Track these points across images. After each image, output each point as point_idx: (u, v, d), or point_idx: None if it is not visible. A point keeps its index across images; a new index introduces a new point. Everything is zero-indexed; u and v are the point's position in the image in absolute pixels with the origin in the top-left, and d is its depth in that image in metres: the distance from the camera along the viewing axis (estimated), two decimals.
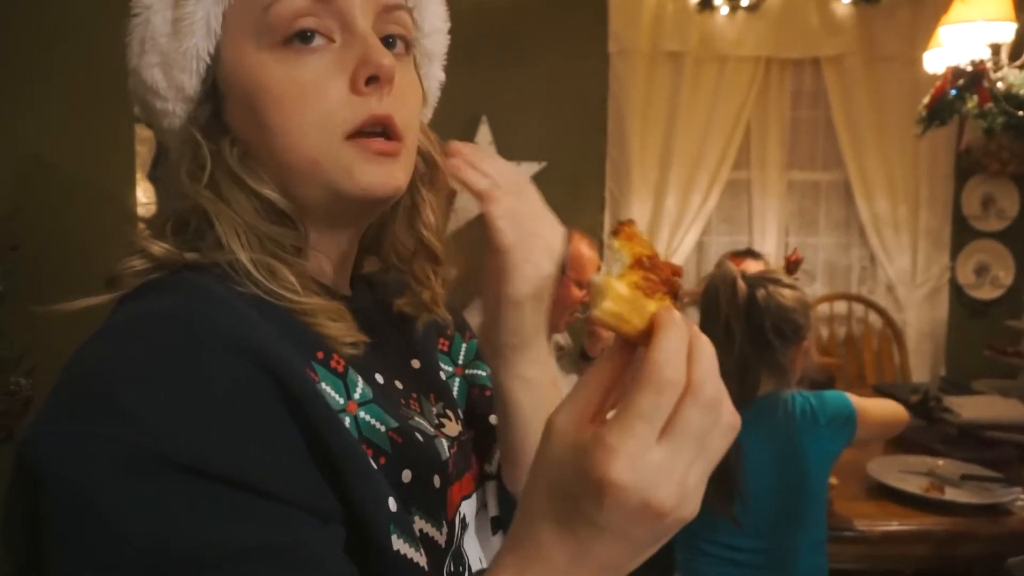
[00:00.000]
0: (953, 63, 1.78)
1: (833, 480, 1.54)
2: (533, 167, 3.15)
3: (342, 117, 0.49)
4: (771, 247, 3.27)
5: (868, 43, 3.10)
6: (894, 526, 1.50)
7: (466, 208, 0.59)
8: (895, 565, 1.54)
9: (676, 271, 0.39)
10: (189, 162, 0.50)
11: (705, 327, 1.35)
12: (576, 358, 2.19)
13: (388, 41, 0.52)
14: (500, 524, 0.63)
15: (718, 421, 0.38)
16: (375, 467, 0.47)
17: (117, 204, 1.19)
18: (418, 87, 0.56)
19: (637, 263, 0.38)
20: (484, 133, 3.14)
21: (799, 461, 1.33)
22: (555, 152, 3.16)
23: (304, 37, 0.48)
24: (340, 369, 0.50)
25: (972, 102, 1.76)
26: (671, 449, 0.36)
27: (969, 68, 1.73)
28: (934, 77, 1.95)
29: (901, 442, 1.92)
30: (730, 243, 3.26)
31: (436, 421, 0.59)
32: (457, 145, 0.56)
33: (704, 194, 3.15)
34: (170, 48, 0.49)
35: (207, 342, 0.41)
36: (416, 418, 0.56)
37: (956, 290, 3.31)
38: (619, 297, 0.37)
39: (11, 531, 0.40)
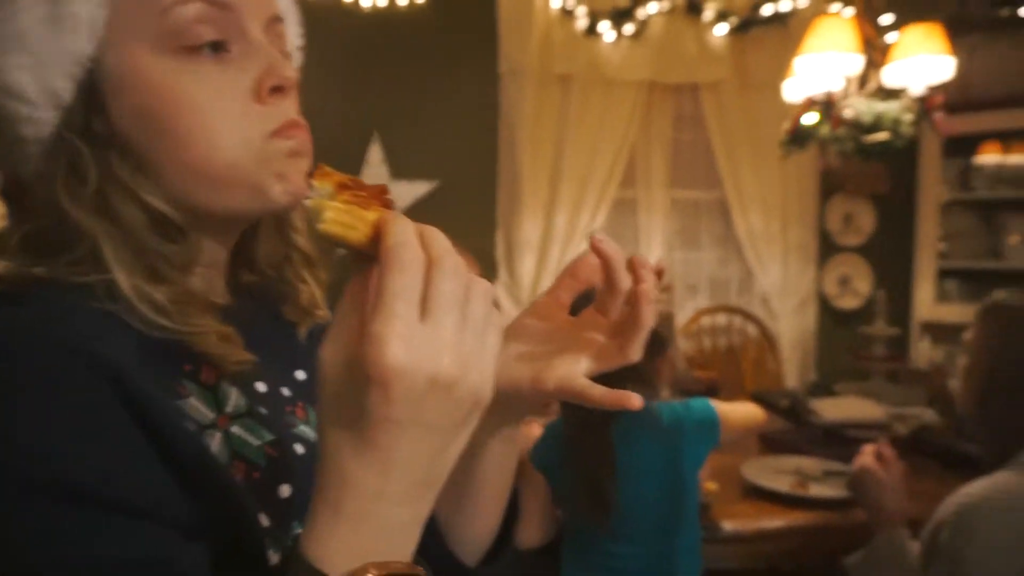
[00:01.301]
0: (808, 92, 1.94)
1: (712, 485, 1.62)
2: (425, 186, 3.15)
3: (255, 124, 0.48)
4: (661, 261, 3.41)
5: (741, 70, 3.32)
6: (765, 524, 1.59)
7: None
8: (773, 562, 1.63)
9: (383, 188, 0.41)
10: (66, 174, 0.46)
11: None
12: None
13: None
14: None
15: (471, 286, 0.38)
16: (240, 483, 0.46)
17: None
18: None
19: (341, 187, 0.40)
20: (376, 151, 3.12)
21: (672, 468, 1.39)
22: (447, 171, 3.18)
23: (211, 45, 0.47)
24: (211, 381, 0.49)
25: (827, 128, 1.92)
26: (435, 320, 0.36)
27: (822, 97, 1.89)
28: (794, 103, 2.11)
29: (774, 444, 2.05)
30: None
31: None
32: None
33: (593, 212, 3.26)
34: (45, 48, 0.45)
35: (56, 356, 0.39)
36: (301, 426, 0.55)
37: (822, 300, 3.58)
38: (337, 208, 0.39)
39: None
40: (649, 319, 0.49)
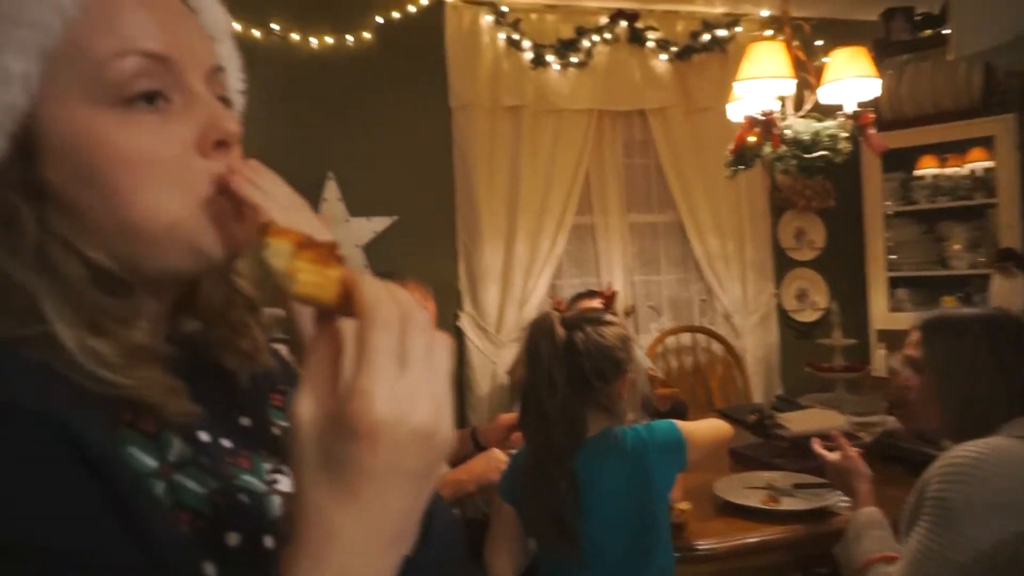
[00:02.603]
0: (748, 113, 2.00)
1: (685, 505, 1.61)
2: (385, 221, 3.14)
3: (197, 179, 0.48)
4: (618, 286, 3.44)
5: (685, 95, 3.41)
6: (739, 540, 1.59)
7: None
8: None
9: (335, 244, 0.42)
10: (3, 229, 0.45)
11: (530, 376, 1.38)
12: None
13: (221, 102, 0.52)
14: None
15: (435, 338, 0.40)
16: (185, 533, 0.46)
17: None
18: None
19: (300, 245, 0.40)
20: (332, 189, 3.11)
21: (640, 492, 1.37)
22: (405, 206, 3.18)
23: (147, 98, 0.46)
24: (151, 431, 0.48)
25: (769, 147, 1.97)
26: (412, 372, 0.38)
27: (761, 118, 1.95)
28: (738, 125, 2.17)
29: (743, 459, 2.05)
30: (581, 284, 3.40)
31: (269, 478, 0.57)
32: None
33: (552, 239, 3.28)
34: None
35: (3, 414, 0.38)
36: (245, 476, 0.54)
37: (783, 315, 3.65)
38: (309, 270, 0.40)
39: None
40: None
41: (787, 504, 1.69)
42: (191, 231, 0.48)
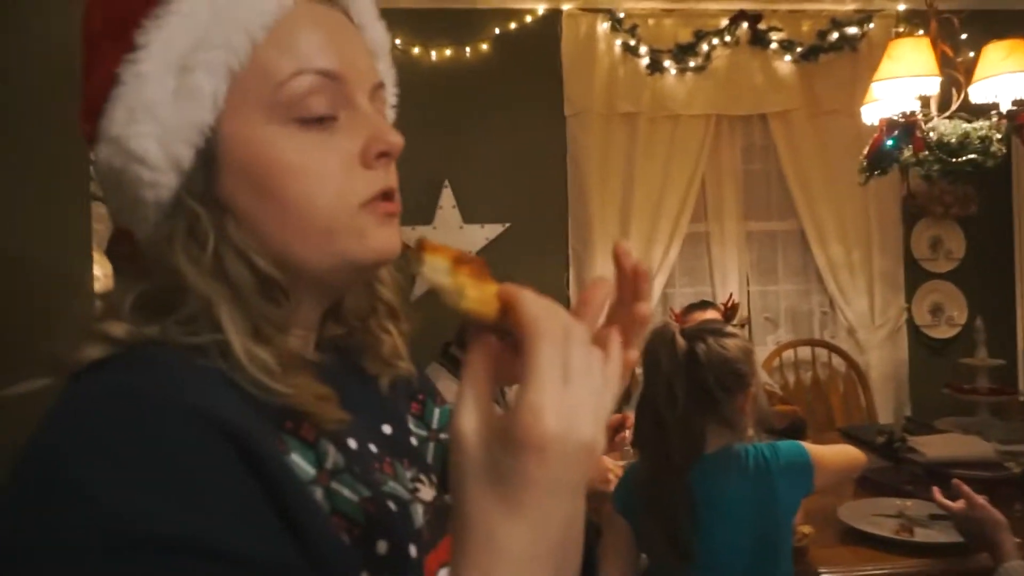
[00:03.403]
0: (887, 116, 1.88)
1: (807, 528, 1.53)
2: (497, 229, 3.20)
3: (357, 189, 0.50)
4: (733, 296, 3.33)
5: (811, 98, 3.26)
6: (867, 570, 1.50)
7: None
8: None
9: (484, 260, 0.43)
10: (184, 237, 0.48)
11: (647, 387, 1.35)
12: None
13: None
14: None
15: (594, 352, 0.41)
16: (346, 540, 0.47)
17: (71, 283, 1.17)
18: None
19: (456, 262, 0.41)
20: (447, 197, 3.20)
21: (762, 513, 1.32)
22: (518, 213, 3.22)
23: (319, 119, 0.49)
24: (311, 439, 0.50)
25: (908, 151, 1.84)
26: (575, 387, 0.38)
27: (901, 120, 1.82)
28: (873, 128, 2.05)
29: (871, 485, 1.93)
30: (693, 294, 3.32)
31: (411, 486, 0.58)
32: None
33: (665, 247, 3.22)
34: (170, 118, 0.47)
35: (165, 417, 0.41)
36: (391, 483, 0.55)
37: (914, 331, 3.40)
38: (473, 286, 0.41)
39: None
40: (648, 314, 0.49)
41: (922, 536, 1.57)
42: (343, 237, 0.50)
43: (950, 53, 1.90)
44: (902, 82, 1.80)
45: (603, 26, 3.19)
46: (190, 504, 0.39)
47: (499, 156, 3.23)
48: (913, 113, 1.80)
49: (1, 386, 0.52)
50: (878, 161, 1.91)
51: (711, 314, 2.48)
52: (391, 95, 0.62)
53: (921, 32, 2.05)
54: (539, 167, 3.25)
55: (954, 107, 1.87)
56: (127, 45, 0.47)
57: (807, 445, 1.38)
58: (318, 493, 0.48)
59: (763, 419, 2.39)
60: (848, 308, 3.31)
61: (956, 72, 1.89)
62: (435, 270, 0.42)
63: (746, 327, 3.35)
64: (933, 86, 1.81)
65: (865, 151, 1.97)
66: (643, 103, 3.19)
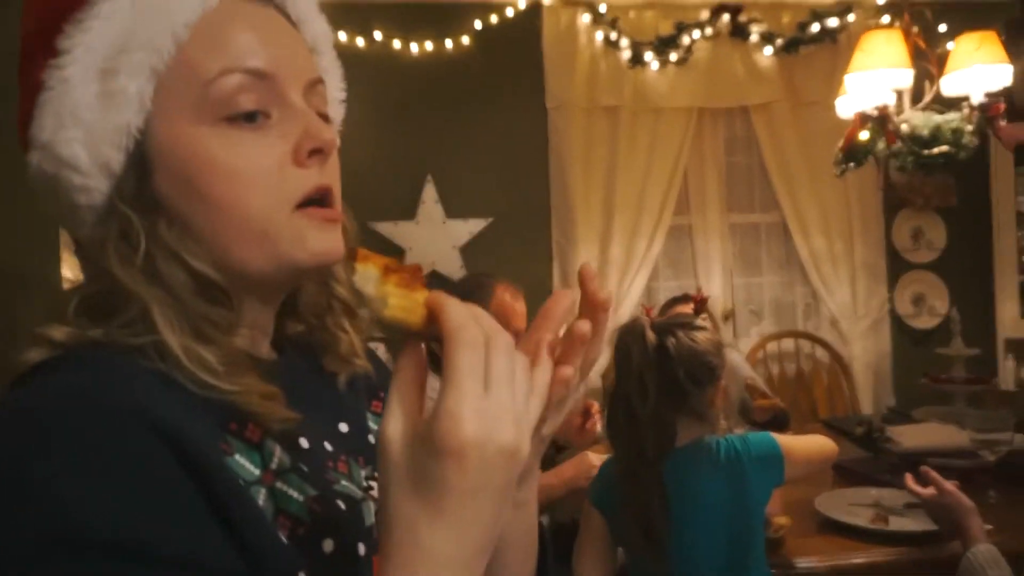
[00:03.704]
0: (860, 108, 1.89)
1: (784, 519, 1.54)
2: (480, 223, 3.20)
3: (289, 189, 0.50)
4: (717, 288, 3.34)
5: (791, 90, 3.26)
6: (842, 560, 1.51)
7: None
8: None
9: (419, 267, 0.44)
10: (117, 240, 0.49)
11: (619, 381, 1.36)
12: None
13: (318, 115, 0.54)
14: None
15: (516, 360, 0.41)
16: (285, 540, 0.47)
17: (40, 285, 1.16)
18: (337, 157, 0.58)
19: (387, 270, 0.42)
20: (430, 192, 3.19)
21: (734, 505, 1.33)
22: (501, 207, 3.22)
23: (247, 117, 0.49)
24: (256, 439, 0.50)
25: (882, 144, 1.85)
26: (495, 392, 0.39)
27: (875, 113, 1.83)
28: (849, 121, 2.06)
29: (849, 475, 1.95)
30: (677, 287, 3.32)
31: (365, 484, 0.58)
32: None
33: (648, 240, 3.23)
34: (97, 122, 0.48)
35: (105, 418, 0.41)
36: (343, 482, 0.55)
37: (897, 321, 3.42)
38: (399, 295, 0.41)
39: None
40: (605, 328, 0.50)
41: (897, 524, 1.59)
42: (281, 239, 0.50)
43: (923, 45, 1.91)
44: (874, 74, 1.81)
45: (584, 19, 3.19)
46: (128, 508, 0.39)
47: (482, 150, 3.23)
48: (886, 106, 1.81)
49: None
50: (853, 154, 1.92)
51: (691, 308, 2.49)
52: (337, 89, 0.62)
53: (896, 24, 2.05)
54: (522, 161, 3.25)
55: (927, 99, 1.88)
56: (53, 51, 0.47)
57: (777, 436, 1.39)
58: (262, 493, 0.48)
59: (744, 412, 2.41)
60: (831, 299, 3.33)
61: (930, 64, 1.90)
62: (364, 279, 0.42)
63: (730, 319, 3.37)
64: (906, 78, 1.81)
65: (840, 144, 1.98)
66: (625, 96, 3.19)
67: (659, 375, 1.30)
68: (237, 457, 0.48)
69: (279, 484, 0.50)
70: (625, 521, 1.35)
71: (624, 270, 3.23)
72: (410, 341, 0.42)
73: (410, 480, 0.39)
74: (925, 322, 3.42)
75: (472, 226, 3.20)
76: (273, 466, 0.50)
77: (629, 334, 1.33)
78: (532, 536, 0.60)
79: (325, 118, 0.56)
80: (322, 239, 0.51)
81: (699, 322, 1.39)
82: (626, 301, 3.21)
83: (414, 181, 3.19)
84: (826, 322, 3.38)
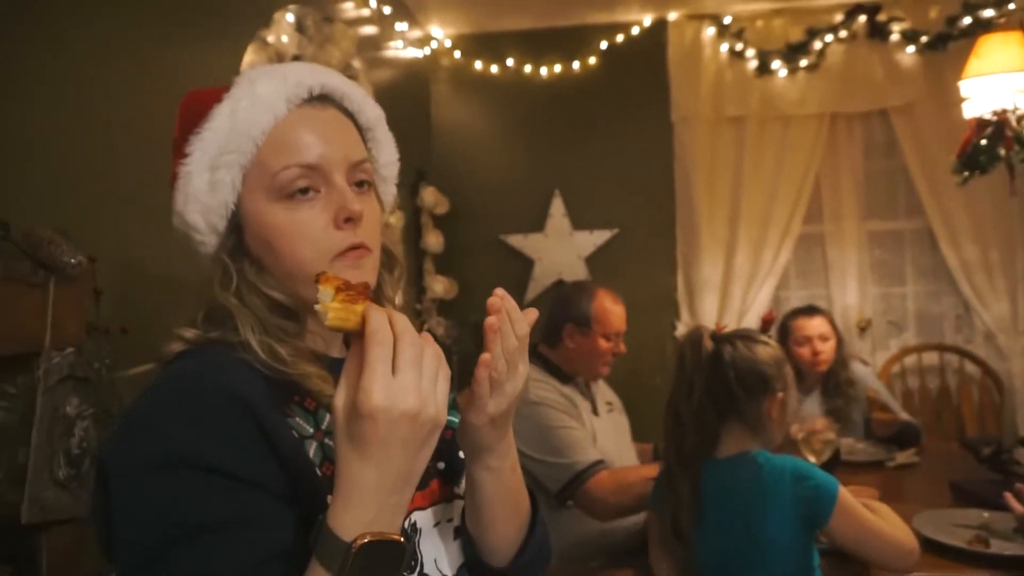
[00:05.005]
0: (977, 114, 1.81)
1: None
2: (605, 235, 3.33)
3: (330, 245, 0.71)
4: (852, 298, 3.23)
5: (937, 90, 3.07)
6: None
7: None
8: None
9: (367, 285, 0.60)
10: (221, 276, 0.72)
11: (674, 384, 1.45)
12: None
13: (358, 184, 0.75)
14: (459, 533, 0.82)
15: (425, 349, 0.58)
16: (323, 476, 0.68)
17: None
18: (377, 209, 0.79)
19: (338, 290, 0.59)
20: (558, 205, 3.38)
21: (751, 525, 1.34)
22: (626, 219, 3.34)
23: (301, 191, 0.71)
24: (312, 408, 0.71)
25: (1002, 149, 1.77)
26: (402, 374, 0.56)
27: (993, 118, 1.76)
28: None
29: (964, 495, 1.86)
30: (808, 296, 3.25)
31: None
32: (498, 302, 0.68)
33: (775, 250, 3.19)
34: (208, 201, 0.71)
35: (210, 390, 0.65)
36: None
37: None
38: (336, 308, 0.58)
39: (97, 515, 0.65)
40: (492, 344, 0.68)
41: (998, 547, 1.53)
42: None
43: None
44: (991, 79, 1.73)
45: (709, 32, 3.23)
46: (216, 446, 0.62)
47: (608, 164, 3.37)
48: (1004, 111, 1.73)
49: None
50: (972, 161, 1.85)
51: (818, 320, 2.44)
52: (390, 154, 0.83)
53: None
54: (647, 173, 3.35)
55: None
56: (183, 153, 0.73)
57: (844, 491, 1.35)
58: (313, 446, 0.70)
59: (867, 426, 2.34)
60: (986, 312, 3.09)
61: None
62: (322, 296, 0.59)
63: (866, 330, 3.23)
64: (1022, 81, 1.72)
65: (957, 151, 1.90)
66: (751, 106, 3.18)
67: (708, 378, 1.37)
68: (298, 419, 0.70)
69: (327, 440, 0.71)
70: (659, 516, 1.44)
71: (749, 281, 3.22)
72: (355, 339, 0.60)
73: (347, 434, 0.58)
74: None
75: (597, 237, 3.35)
76: (324, 427, 0.71)
77: (688, 341, 1.42)
78: (514, 497, 0.77)
79: (368, 183, 0.76)
80: (351, 275, 0.71)
81: (763, 338, 1.44)
82: (752, 311, 3.19)
83: (543, 196, 3.39)
84: (980, 335, 3.13)
